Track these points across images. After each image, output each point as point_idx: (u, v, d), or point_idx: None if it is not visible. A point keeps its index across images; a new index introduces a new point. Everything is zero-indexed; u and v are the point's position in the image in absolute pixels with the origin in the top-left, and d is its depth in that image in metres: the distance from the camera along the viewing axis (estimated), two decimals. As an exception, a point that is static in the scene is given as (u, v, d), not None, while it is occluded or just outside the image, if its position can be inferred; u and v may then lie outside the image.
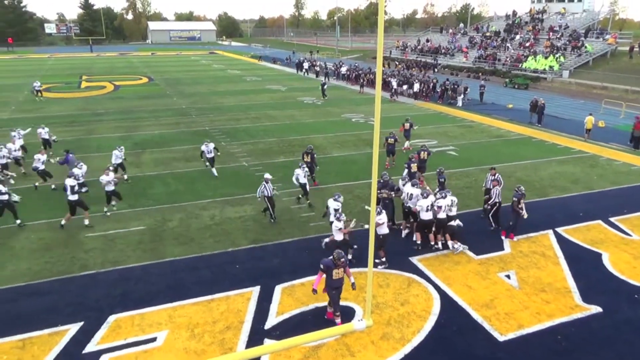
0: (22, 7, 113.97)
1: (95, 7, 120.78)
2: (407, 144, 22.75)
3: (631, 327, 9.67)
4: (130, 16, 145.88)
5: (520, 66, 48.17)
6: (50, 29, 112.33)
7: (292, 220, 14.50)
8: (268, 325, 9.66)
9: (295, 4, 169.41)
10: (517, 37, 55.00)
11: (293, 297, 10.60)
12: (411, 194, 13.15)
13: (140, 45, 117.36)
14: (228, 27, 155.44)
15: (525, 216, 13.14)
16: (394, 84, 38.03)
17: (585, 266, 12.00)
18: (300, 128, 27.31)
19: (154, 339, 9.20)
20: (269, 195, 14.10)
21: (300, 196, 15.87)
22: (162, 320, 9.75)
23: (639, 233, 13.84)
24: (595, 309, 10.19)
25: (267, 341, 9.15)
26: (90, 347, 8.96)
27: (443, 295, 10.70)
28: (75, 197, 13.85)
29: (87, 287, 10.94)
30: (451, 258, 12.32)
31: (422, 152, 18.18)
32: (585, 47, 46.77)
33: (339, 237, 11.32)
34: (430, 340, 9.23)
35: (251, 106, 34.43)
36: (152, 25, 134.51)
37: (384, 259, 11.86)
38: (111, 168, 15.55)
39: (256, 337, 9.28)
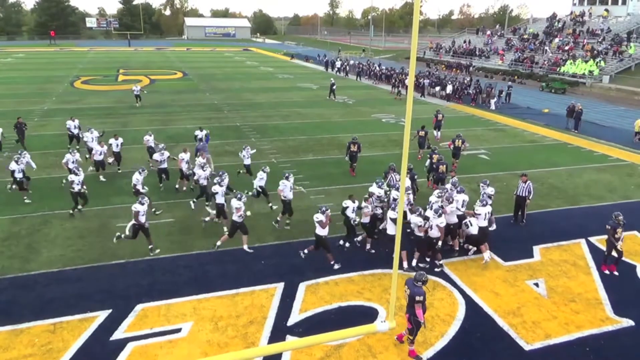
0: (65, 2, 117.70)
1: (134, 3, 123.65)
2: (438, 134, 23.25)
3: (665, 343, 9.33)
4: (167, 12, 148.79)
5: (558, 70, 46.95)
6: (91, 23, 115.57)
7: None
8: (291, 322, 9.72)
9: (330, 2, 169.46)
10: (556, 40, 53.60)
11: (316, 295, 10.63)
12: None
13: (176, 41, 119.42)
14: (262, 25, 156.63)
15: (620, 247, 11.72)
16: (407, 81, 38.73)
17: (618, 277, 11.64)
18: (330, 127, 27.32)
19: (179, 330, 9.37)
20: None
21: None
22: (187, 311, 9.93)
23: (677, 246, 13.33)
24: (627, 322, 9.88)
25: (289, 338, 9.21)
26: (118, 335, 9.20)
27: (468, 300, 10.55)
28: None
29: (116, 276, 11.23)
30: (478, 263, 12.13)
31: (457, 140, 19.23)
32: (630, 46, 45.25)
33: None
34: (453, 346, 9.12)
35: (282, 103, 34.64)
36: (189, 21, 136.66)
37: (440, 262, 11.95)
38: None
39: (278, 333, 9.35)
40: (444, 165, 16.43)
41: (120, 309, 9.95)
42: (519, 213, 14.64)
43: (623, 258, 12.54)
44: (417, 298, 8.42)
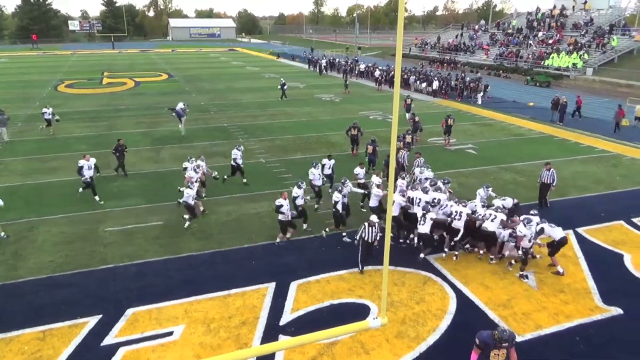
0: (47, 5, 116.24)
1: (117, 4, 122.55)
2: (407, 115, 25.20)
3: (653, 330, 9.47)
4: (151, 13, 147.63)
5: (542, 64, 47.38)
6: (73, 25, 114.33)
7: (309, 217, 14.49)
8: (283, 321, 9.70)
9: (315, 1, 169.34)
10: (540, 34, 54.08)
11: (308, 293, 10.62)
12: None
13: (160, 42, 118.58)
14: (247, 24, 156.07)
15: None
16: (377, 73, 42.74)
17: (606, 267, 11.78)
18: (318, 125, 27.30)
19: (170, 333, 9.31)
20: (370, 240, 11.28)
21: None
22: (178, 314, 9.86)
23: (662, 234, 13.52)
24: (616, 311, 10.01)
25: (281, 337, 9.19)
26: (109, 340, 9.11)
27: (459, 294, 10.61)
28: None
29: (106, 281, 11.13)
30: (468, 257, 12.20)
31: (449, 119, 22.23)
32: (613, 39, 45.86)
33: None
34: (445, 340, 9.16)
35: (269, 103, 34.54)
36: (173, 22, 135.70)
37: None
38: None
39: (271, 333, 9.33)
40: (401, 142, 18.60)
41: (111, 313, 9.86)
42: (543, 199, 15.24)
43: (611, 247, 12.74)
44: (475, 339, 7.56)
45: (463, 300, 10.39)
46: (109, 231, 13.62)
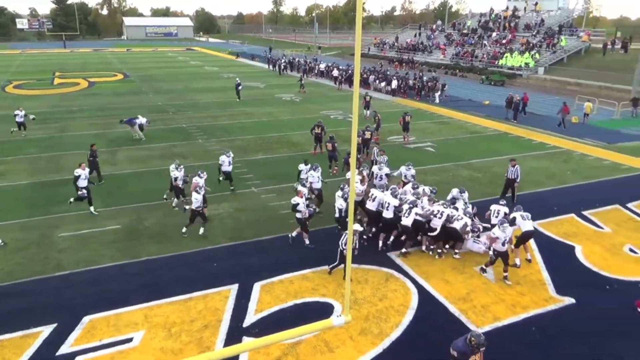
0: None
1: (68, 2, 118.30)
2: (367, 112, 27.07)
3: (603, 317, 9.92)
4: (105, 11, 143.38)
5: (496, 63, 48.77)
6: (22, 24, 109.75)
7: (271, 217, 14.44)
8: (247, 323, 9.61)
9: (274, 0, 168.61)
10: (494, 34, 55.65)
11: (271, 294, 10.56)
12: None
13: (115, 41, 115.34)
14: (205, 23, 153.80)
15: None
16: (336, 73, 43.74)
17: (559, 259, 12.26)
18: (278, 125, 27.19)
19: (130, 340, 9.06)
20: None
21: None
22: (138, 320, 9.61)
23: (610, 226, 14.17)
24: (569, 301, 10.42)
25: (245, 339, 9.10)
26: (64, 349, 8.79)
27: (421, 289, 10.79)
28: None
29: (60, 288, 10.73)
30: (429, 253, 12.42)
31: (407, 117, 23.15)
32: (561, 39, 47.72)
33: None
34: (408, 335, 9.30)
35: (228, 103, 34.13)
36: (128, 20, 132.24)
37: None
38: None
39: (234, 335, 9.22)
40: (360, 138, 19.67)
41: (66, 322, 9.50)
42: (508, 194, 15.74)
43: (563, 240, 13.26)
44: (452, 352, 7.48)
45: (424, 296, 10.57)
46: (63, 236, 13.13)
